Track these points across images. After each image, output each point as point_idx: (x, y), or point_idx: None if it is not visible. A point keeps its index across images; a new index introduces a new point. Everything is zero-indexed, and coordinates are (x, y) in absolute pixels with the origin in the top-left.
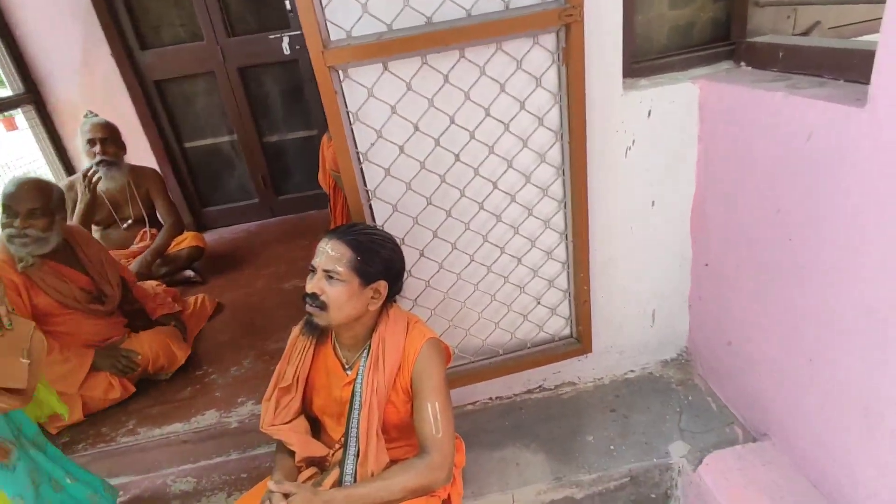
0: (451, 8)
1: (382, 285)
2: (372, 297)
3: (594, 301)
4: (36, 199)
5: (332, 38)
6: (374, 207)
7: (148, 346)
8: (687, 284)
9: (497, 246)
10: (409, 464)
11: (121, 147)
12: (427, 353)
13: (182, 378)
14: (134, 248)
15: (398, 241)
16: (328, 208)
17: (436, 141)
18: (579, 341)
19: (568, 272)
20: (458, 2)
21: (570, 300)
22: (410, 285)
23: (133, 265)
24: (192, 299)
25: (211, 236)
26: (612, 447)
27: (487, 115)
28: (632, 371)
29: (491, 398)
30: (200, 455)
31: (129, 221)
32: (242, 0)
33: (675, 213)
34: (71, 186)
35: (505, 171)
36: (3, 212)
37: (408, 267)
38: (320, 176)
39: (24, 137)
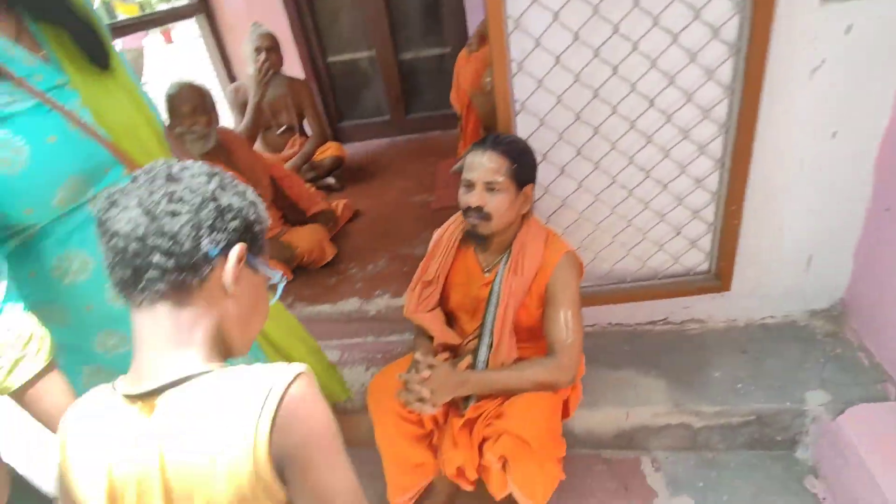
0: None
1: (530, 188)
2: (523, 203)
3: (743, 237)
4: (195, 98)
5: None
6: (518, 120)
7: (305, 241)
8: (857, 230)
9: (643, 169)
10: (539, 360)
11: (280, 57)
12: (565, 264)
13: (328, 270)
14: (285, 153)
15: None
16: (458, 128)
17: (595, 51)
18: (718, 278)
19: (717, 204)
20: None
21: (714, 234)
22: (545, 202)
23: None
24: (334, 204)
25: (348, 149)
26: (739, 385)
27: (656, 24)
28: (772, 317)
29: (611, 323)
30: (344, 333)
31: (284, 127)
32: None
33: (859, 148)
34: (237, 90)
35: (665, 88)
36: (169, 114)
37: (545, 183)
38: (453, 94)
39: (180, 49)
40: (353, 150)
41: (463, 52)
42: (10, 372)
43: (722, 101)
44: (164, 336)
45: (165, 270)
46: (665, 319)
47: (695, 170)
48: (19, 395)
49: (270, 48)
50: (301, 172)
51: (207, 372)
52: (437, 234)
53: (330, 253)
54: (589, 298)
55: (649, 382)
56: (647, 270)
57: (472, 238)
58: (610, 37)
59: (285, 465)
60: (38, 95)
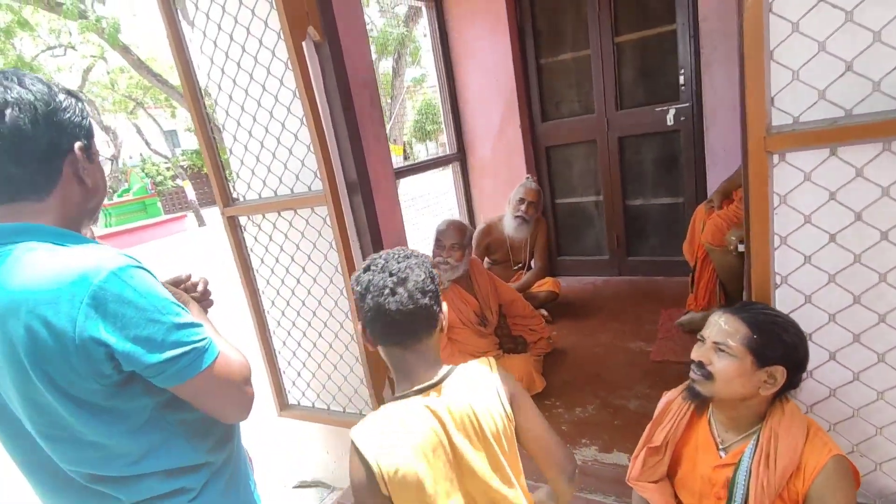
0: None
1: (780, 371)
2: (765, 382)
3: None
4: (456, 236)
5: (775, 123)
6: (778, 294)
7: (516, 368)
8: None
9: None
10: None
11: (538, 210)
12: (835, 471)
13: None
14: (510, 284)
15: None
16: (690, 279)
17: (882, 234)
18: None
19: None
20: None
21: None
22: (810, 388)
23: None
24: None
25: (561, 282)
26: None
27: None
28: None
29: None
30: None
31: (520, 265)
32: (638, 76)
33: None
34: (487, 231)
35: None
36: (435, 244)
37: (811, 367)
38: (686, 245)
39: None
40: (568, 284)
41: (701, 207)
42: None
43: None
44: (429, 359)
45: (430, 326)
46: None
47: None
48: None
49: (532, 202)
50: None
51: (454, 368)
52: (667, 395)
53: (539, 384)
54: None
55: None
56: None
57: (690, 394)
58: None
59: (512, 401)
60: None
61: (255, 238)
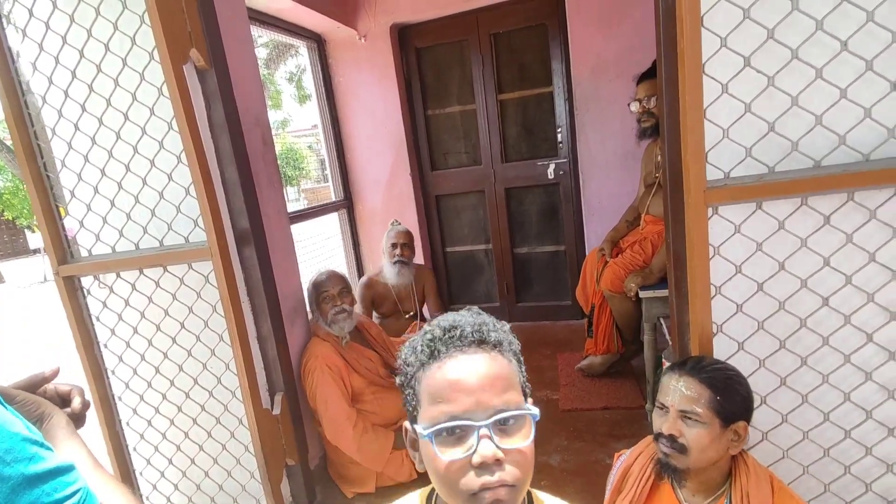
0: (844, 152)
1: (742, 426)
2: (732, 440)
3: None
4: (341, 281)
5: (709, 178)
6: (716, 343)
7: None
8: None
9: (862, 408)
10: None
11: (413, 251)
12: None
13: None
14: (404, 336)
15: None
16: (586, 323)
17: (802, 282)
18: None
19: None
20: (855, 146)
21: None
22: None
23: None
24: None
25: None
26: None
27: (872, 260)
28: None
29: None
30: None
31: (411, 313)
32: (522, 133)
33: None
34: (369, 284)
35: (885, 324)
36: (319, 299)
37: None
38: (579, 290)
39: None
40: None
41: (593, 255)
42: None
43: None
44: None
45: None
46: None
47: None
48: None
49: (405, 244)
50: None
51: None
52: (623, 460)
53: None
54: None
55: None
56: None
57: (665, 471)
58: (820, 269)
59: None
60: None
61: (104, 303)
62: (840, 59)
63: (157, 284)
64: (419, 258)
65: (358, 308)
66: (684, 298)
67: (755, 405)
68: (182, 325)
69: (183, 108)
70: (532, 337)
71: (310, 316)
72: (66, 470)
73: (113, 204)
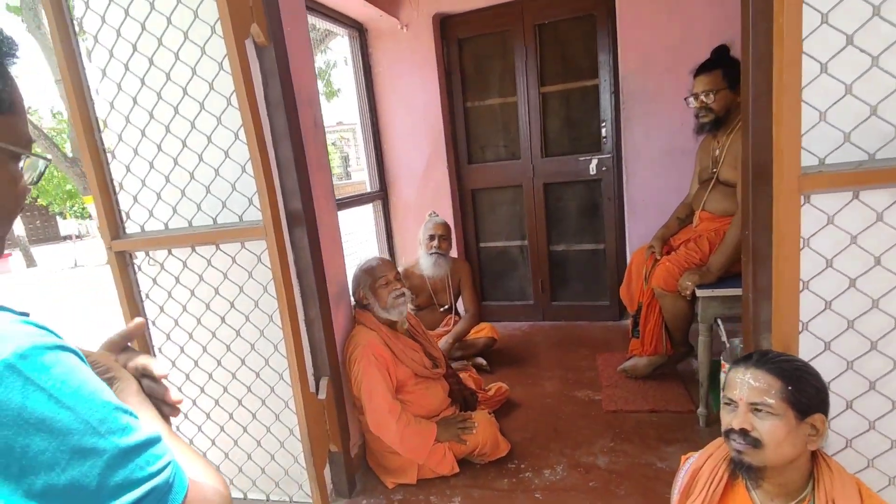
0: None
1: (819, 420)
2: (810, 435)
3: None
4: (394, 266)
5: (803, 164)
6: (801, 341)
7: (480, 432)
8: None
9: None
10: None
11: (450, 243)
12: None
13: (497, 468)
14: (439, 330)
15: None
16: (631, 323)
17: None
18: None
19: None
20: None
21: None
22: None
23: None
24: (493, 386)
25: None
26: None
27: None
28: None
29: None
30: None
31: (446, 307)
32: (563, 125)
33: None
34: (405, 275)
35: None
36: (376, 285)
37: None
38: (623, 289)
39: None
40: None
41: (641, 252)
42: None
43: None
44: None
45: None
46: None
47: None
48: None
49: (443, 236)
50: (451, 350)
51: None
52: (691, 463)
53: (504, 447)
54: None
55: None
56: None
57: (740, 470)
58: None
59: None
60: None
61: (155, 280)
62: None
63: (209, 263)
64: (454, 251)
65: None
66: (763, 295)
67: (841, 410)
68: (232, 305)
69: (244, 83)
70: (568, 336)
71: (352, 302)
72: (155, 441)
73: (168, 180)
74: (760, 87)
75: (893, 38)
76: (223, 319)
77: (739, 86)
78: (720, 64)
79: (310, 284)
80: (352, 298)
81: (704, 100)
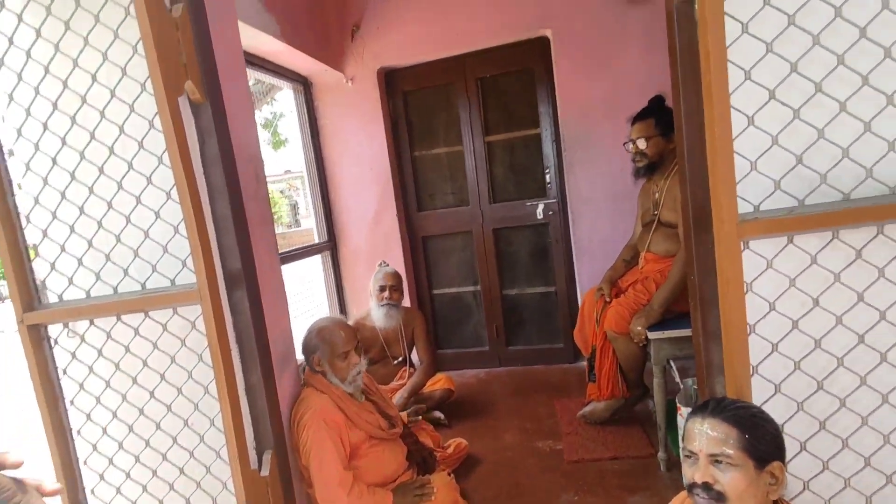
0: (872, 185)
1: (778, 468)
2: (770, 484)
3: None
4: (354, 333)
5: (739, 211)
6: (753, 384)
7: (440, 496)
8: None
9: None
10: None
11: (402, 293)
12: None
13: None
14: (393, 384)
15: None
16: (587, 367)
17: (837, 318)
18: None
19: None
20: (881, 179)
21: None
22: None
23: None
24: (452, 443)
25: None
26: None
27: None
28: None
29: None
30: None
31: (400, 359)
32: (509, 174)
33: None
34: (358, 327)
35: None
36: (334, 357)
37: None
38: (577, 332)
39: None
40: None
41: (591, 295)
42: None
43: None
44: None
45: None
46: None
47: None
48: None
49: (394, 286)
50: (407, 405)
51: None
52: None
53: None
54: None
55: None
56: None
57: None
58: (855, 304)
59: None
60: None
61: (74, 354)
62: (861, 94)
63: (137, 332)
64: (406, 300)
65: None
66: (712, 338)
67: (796, 452)
68: (162, 377)
69: (177, 141)
70: (525, 382)
71: (300, 361)
72: None
73: (91, 244)
74: (694, 140)
75: (811, 92)
76: (152, 394)
77: (672, 133)
78: (654, 113)
79: (251, 349)
80: (301, 357)
81: (639, 146)
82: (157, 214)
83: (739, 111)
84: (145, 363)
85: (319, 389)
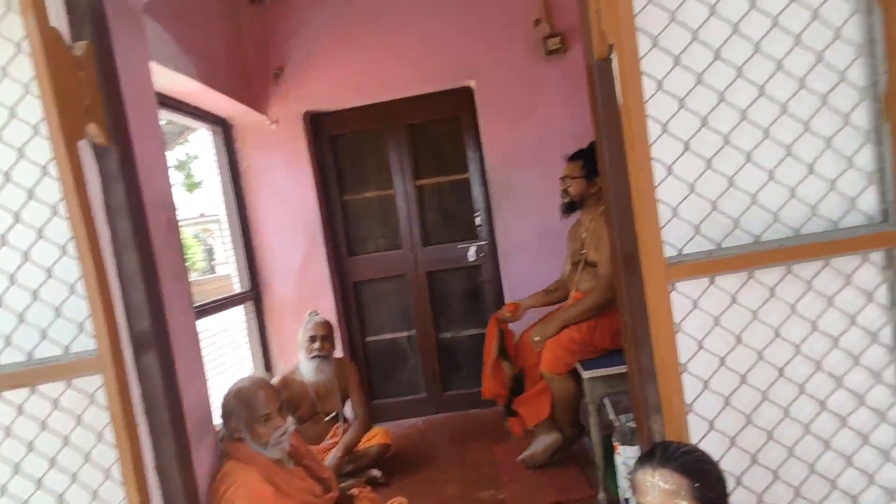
0: (779, 228)
1: None
2: None
3: None
4: (276, 394)
5: (665, 255)
6: (688, 422)
7: None
8: None
9: (828, 479)
10: None
11: (333, 344)
12: None
13: None
14: (325, 443)
15: None
16: (503, 404)
17: (759, 354)
18: None
19: None
20: (786, 222)
21: None
22: None
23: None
24: (392, 503)
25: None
26: None
27: (814, 329)
28: None
29: None
30: None
31: (332, 415)
32: (440, 217)
33: None
34: (284, 385)
35: (833, 391)
36: (254, 421)
37: None
38: (484, 378)
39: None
40: (389, 430)
41: (492, 323)
42: None
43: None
44: None
45: None
46: None
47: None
48: None
49: (325, 336)
50: (342, 466)
51: None
52: None
53: None
54: None
55: None
56: None
57: None
58: (772, 340)
59: None
60: None
61: None
62: (764, 146)
63: (20, 411)
64: (338, 350)
65: None
66: (647, 377)
67: (733, 488)
68: (52, 464)
69: (75, 190)
70: (464, 428)
71: (218, 429)
72: None
73: None
74: (619, 187)
75: (720, 145)
76: (39, 484)
77: (597, 177)
78: (584, 155)
79: (161, 421)
80: (220, 425)
81: (565, 184)
82: (49, 272)
83: (659, 161)
84: (31, 448)
85: (242, 460)
